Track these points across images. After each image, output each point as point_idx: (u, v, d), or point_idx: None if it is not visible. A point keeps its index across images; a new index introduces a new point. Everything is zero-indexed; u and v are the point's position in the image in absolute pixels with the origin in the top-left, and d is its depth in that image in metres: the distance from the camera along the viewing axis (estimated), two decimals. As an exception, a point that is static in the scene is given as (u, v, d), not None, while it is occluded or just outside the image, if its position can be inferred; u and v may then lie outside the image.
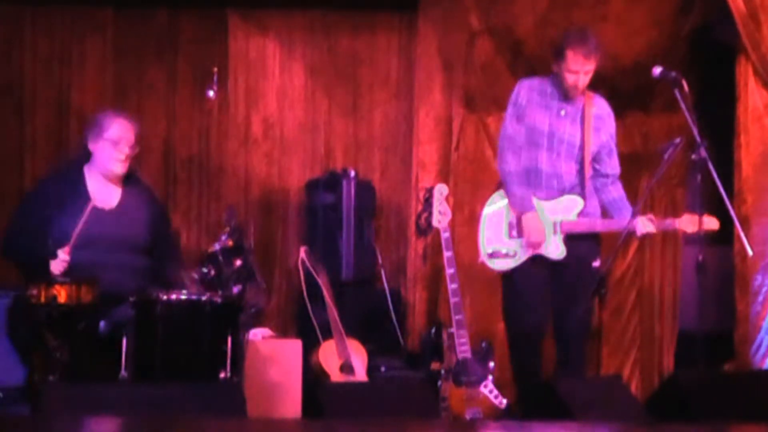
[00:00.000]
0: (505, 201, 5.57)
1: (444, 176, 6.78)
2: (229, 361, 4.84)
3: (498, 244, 5.54)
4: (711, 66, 6.65)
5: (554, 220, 5.50)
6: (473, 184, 6.79)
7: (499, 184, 5.67)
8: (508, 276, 5.58)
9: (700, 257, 5.18)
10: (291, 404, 5.51)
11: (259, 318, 5.89)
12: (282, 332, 6.53)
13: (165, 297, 4.83)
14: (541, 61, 6.06)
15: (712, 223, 5.37)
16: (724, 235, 5.98)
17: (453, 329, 5.36)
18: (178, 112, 7.15)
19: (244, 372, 5.25)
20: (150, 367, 4.77)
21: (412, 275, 6.93)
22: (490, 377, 5.37)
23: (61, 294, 4.71)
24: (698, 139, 5.18)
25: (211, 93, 6.16)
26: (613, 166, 5.67)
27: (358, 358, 5.91)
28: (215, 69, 6.15)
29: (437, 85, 6.92)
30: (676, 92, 5.26)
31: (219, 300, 4.96)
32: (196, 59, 7.07)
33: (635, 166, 6.62)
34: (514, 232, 5.52)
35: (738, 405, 4.66)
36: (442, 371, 5.36)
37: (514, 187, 5.52)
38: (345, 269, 6.68)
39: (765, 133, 6.22)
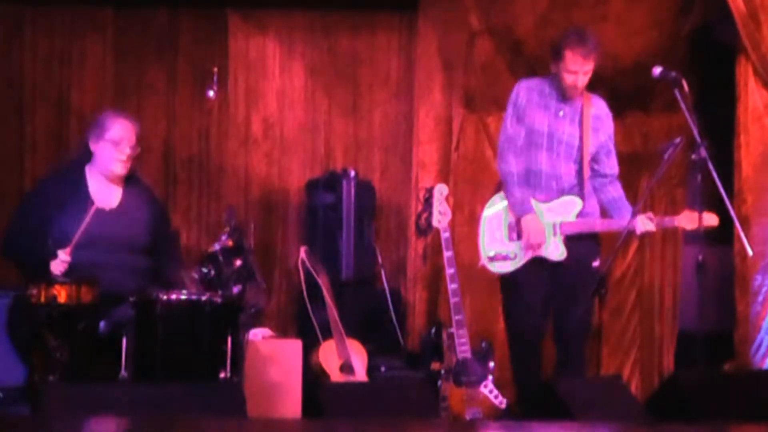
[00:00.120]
0: (504, 203, 5.56)
1: (444, 176, 6.79)
2: (229, 361, 4.83)
3: (498, 247, 5.53)
4: (711, 66, 6.65)
5: (553, 222, 5.50)
6: (473, 184, 6.79)
7: (499, 186, 5.67)
8: (507, 278, 5.57)
9: (700, 257, 5.18)
10: (291, 404, 5.51)
11: (259, 318, 5.89)
12: (282, 332, 6.52)
13: (165, 297, 4.82)
14: (541, 61, 6.06)
15: (711, 219, 5.35)
16: (724, 235, 5.98)
17: (453, 329, 5.36)
18: (178, 112, 7.15)
19: (244, 372, 5.25)
20: (150, 367, 4.76)
21: (412, 275, 6.93)
22: (490, 377, 5.37)
23: (61, 294, 4.71)
24: (698, 139, 5.17)
25: (211, 93, 6.17)
26: (611, 166, 5.67)
27: (358, 358, 5.91)
28: (215, 69, 6.16)
29: (437, 85, 6.92)
30: (676, 92, 5.25)
31: (219, 300, 4.96)
32: (196, 59, 7.08)
33: (635, 166, 6.62)
34: (514, 235, 5.52)
35: (738, 405, 4.66)
36: (442, 371, 5.36)
37: (514, 188, 5.52)
38: (345, 269, 6.68)
39: (765, 133, 6.22)
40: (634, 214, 5.37)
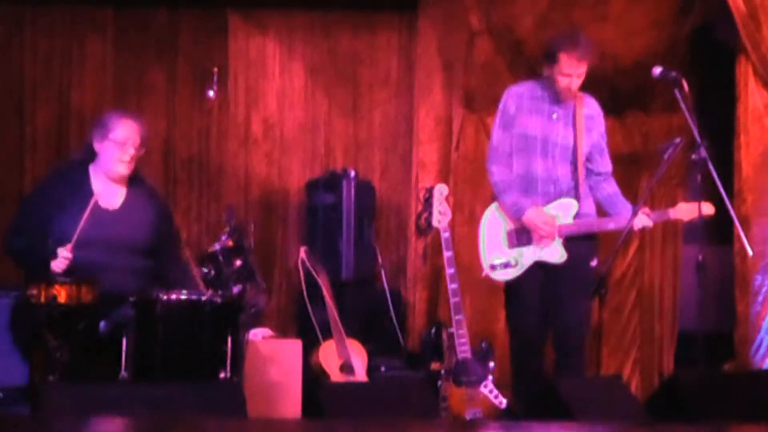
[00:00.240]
0: (500, 212, 5.55)
1: (444, 176, 6.79)
2: (229, 361, 4.83)
3: (499, 256, 5.51)
4: (711, 66, 6.65)
5: (552, 223, 5.49)
6: (473, 184, 6.79)
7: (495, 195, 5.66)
8: (511, 283, 5.57)
9: (700, 257, 5.17)
10: (291, 404, 5.51)
11: (259, 318, 5.89)
12: (282, 332, 6.52)
13: (165, 297, 4.82)
14: (541, 61, 6.05)
15: (707, 208, 5.33)
16: (724, 235, 5.99)
17: (453, 329, 5.36)
18: (178, 112, 7.15)
19: (244, 372, 5.25)
20: (150, 367, 4.76)
21: (412, 275, 6.93)
22: (490, 377, 5.37)
23: (61, 294, 4.70)
24: (698, 139, 5.17)
25: (211, 93, 6.17)
26: (605, 164, 5.65)
27: (358, 358, 5.91)
28: (215, 69, 6.16)
29: (437, 85, 6.92)
30: (676, 92, 5.24)
31: (219, 300, 4.95)
32: (196, 59, 7.08)
33: (635, 166, 6.63)
34: (514, 241, 5.51)
35: (738, 405, 4.65)
36: (442, 371, 5.36)
37: (503, 195, 5.51)
38: (345, 269, 6.68)
39: (765, 133, 6.23)
40: (634, 214, 5.35)
